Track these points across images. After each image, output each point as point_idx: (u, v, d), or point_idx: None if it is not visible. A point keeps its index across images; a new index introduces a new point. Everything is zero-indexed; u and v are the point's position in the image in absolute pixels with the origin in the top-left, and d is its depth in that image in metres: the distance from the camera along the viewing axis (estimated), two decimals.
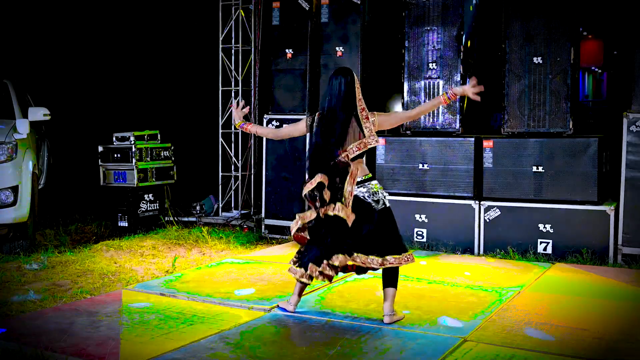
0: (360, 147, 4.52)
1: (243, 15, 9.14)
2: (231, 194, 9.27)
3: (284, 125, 4.80)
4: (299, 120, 7.83)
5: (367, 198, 4.54)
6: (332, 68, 7.77)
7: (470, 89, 4.49)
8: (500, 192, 6.92)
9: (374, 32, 7.89)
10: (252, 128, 4.96)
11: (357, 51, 7.67)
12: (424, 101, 7.28)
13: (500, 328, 4.46)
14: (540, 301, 5.16)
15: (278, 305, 4.90)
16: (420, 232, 7.16)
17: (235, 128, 4.60)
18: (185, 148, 9.64)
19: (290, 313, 4.77)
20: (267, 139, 8.10)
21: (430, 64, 7.30)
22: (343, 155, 4.51)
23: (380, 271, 4.63)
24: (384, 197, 4.60)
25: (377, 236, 4.52)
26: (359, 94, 4.58)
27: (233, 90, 9.19)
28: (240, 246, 7.56)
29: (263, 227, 8.17)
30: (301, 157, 7.82)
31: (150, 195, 8.68)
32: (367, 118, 4.55)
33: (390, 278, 4.57)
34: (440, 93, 4.40)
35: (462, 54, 7.17)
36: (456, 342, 4.16)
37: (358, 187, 4.54)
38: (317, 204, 4.47)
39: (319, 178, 4.44)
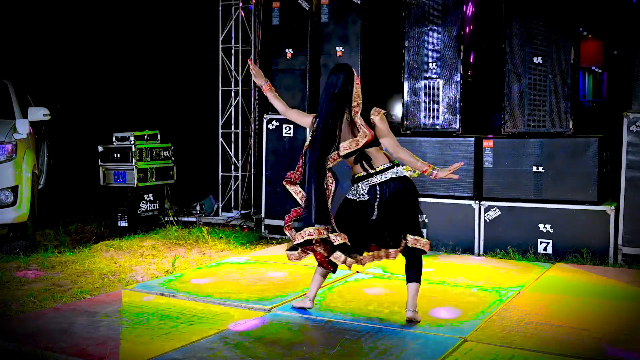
0: (351, 146, 4.49)
1: (243, 15, 9.14)
2: (231, 194, 9.27)
3: (294, 110, 4.85)
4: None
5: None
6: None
7: (449, 174, 4.56)
8: (500, 192, 6.92)
9: (374, 32, 7.89)
10: (269, 94, 4.81)
11: (357, 51, 7.67)
12: (424, 101, 7.30)
13: (500, 328, 4.46)
14: (540, 301, 5.16)
15: (292, 306, 4.90)
16: None
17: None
18: (185, 148, 9.64)
19: (291, 314, 4.77)
20: (267, 139, 8.11)
21: (430, 64, 7.30)
22: (333, 154, 4.50)
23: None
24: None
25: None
26: (357, 89, 4.52)
27: (233, 90, 9.19)
28: (240, 246, 7.56)
29: (263, 227, 8.17)
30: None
31: (150, 195, 8.68)
32: (357, 112, 4.50)
33: (413, 272, 4.57)
34: (428, 168, 4.48)
35: (462, 54, 7.17)
36: (456, 342, 4.16)
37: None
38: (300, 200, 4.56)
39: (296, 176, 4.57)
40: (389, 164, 4.55)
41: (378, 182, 4.51)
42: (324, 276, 4.82)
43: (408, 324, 4.51)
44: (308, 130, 4.75)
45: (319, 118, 4.52)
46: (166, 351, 4.00)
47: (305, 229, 4.47)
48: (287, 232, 4.64)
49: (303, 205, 4.55)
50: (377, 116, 4.53)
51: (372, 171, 4.53)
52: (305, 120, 4.74)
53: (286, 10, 8.04)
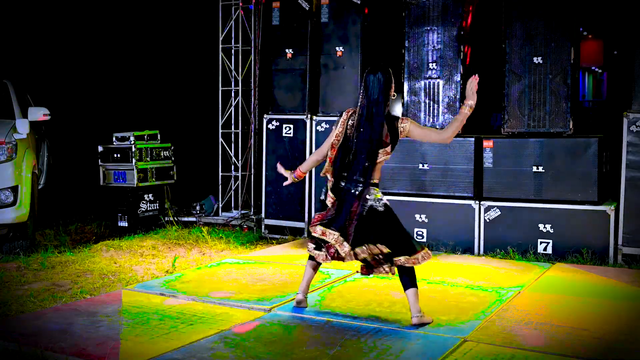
0: (386, 152, 4.51)
1: (243, 15, 9.14)
2: (231, 194, 9.27)
3: (322, 146, 4.76)
4: (298, 120, 7.94)
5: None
6: (332, 68, 7.81)
7: (473, 96, 4.42)
8: (500, 192, 6.92)
9: (374, 32, 7.89)
10: (304, 168, 4.87)
11: (357, 51, 7.68)
12: (424, 101, 7.29)
13: (500, 328, 4.46)
14: (540, 301, 5.16)
15: (294, 305, 4.90)
16: (420, 232, 7.16)
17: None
18: (185, 148, 9.65)
19: (291, 314, 4.77)
20: (267, 139, 8.12)
21: (430, 64, 7.30)
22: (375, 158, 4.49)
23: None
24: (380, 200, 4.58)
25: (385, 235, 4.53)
26: (392, 92, 4.54)
27: (233, 90, 9.18)
28: (240, 246, 7.56)
29: (263, 227, 8.17)
30: (301, 157, 7.82)
31: (150, 195, 8.68)
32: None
33: (406, 280, 4.54)
34: (458, 108, 4.32)
35: (462, 54, 7.17)
36: (456, 342, 4.16)
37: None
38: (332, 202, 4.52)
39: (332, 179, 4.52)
40: (377, 181, 4.57)
41: (367, 197, 4.48)
42: (315, 269, 4.84)
43: (414, 326, 4.49)
44: (334, 135, 4.62)
45: (364, 120, 4.45)
46: (166, 351, 4.00)
47: (332, 231, 4.48)
48: (312, 230, 4.60)
49: (332, 208, 4.52)
50: (407, 123, 4.52)
51: (372, 182, 4.53)
52: (332, 135, 4.62)
53: (286, 10, 8.05)
